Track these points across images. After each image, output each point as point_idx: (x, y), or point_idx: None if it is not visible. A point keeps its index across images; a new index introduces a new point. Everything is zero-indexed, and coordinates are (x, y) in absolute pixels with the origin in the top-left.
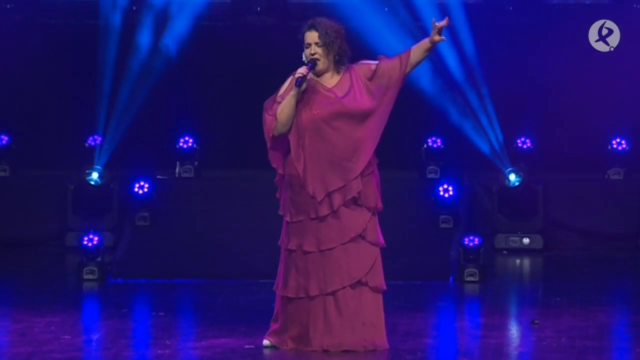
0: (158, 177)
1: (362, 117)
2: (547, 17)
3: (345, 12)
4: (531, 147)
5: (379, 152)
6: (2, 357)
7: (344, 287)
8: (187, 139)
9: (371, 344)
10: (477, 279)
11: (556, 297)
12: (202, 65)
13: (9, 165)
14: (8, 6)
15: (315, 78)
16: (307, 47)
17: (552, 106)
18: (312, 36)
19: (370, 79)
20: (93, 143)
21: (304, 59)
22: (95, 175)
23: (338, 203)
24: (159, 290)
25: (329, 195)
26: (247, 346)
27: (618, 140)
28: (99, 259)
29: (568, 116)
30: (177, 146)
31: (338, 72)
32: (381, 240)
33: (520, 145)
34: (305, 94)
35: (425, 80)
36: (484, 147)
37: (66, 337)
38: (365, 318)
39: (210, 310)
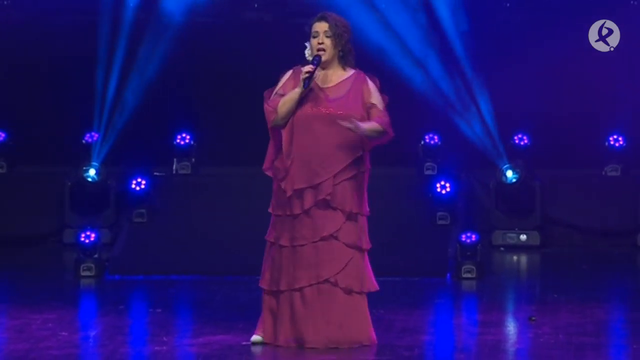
0: (155, 173)
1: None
2: (544, 14)
3: (342, 9)
4: (528, 143)
5: (376, 147)
6: (0, 353)
7: (310, 285)
8: (184, 135)
9: (334, 343)
10: (474, 276)
11: (553, 294)
12: (200, 61)
13: (6, 161)
14: (5, 2)
15: (320, 72)
16: (314, 37)
17: (549, 103)
18: (321, 26)
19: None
20: (90, 140)
21: (306, 55)
22: (92, 172)
23: (309, 203)
24: (156, 286)
25: (301, 194)
26: (244, 343)
27: (615, 136)
28: (96, 255)
29: (565, 113)
30: (174, 143)
31: (344, 69)
32: (362, 243)
33: (517, 141)
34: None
35: (423, 78)
36: (482, 144)
37: (63, 333)
38: (331, 318)
39: (208, 307)
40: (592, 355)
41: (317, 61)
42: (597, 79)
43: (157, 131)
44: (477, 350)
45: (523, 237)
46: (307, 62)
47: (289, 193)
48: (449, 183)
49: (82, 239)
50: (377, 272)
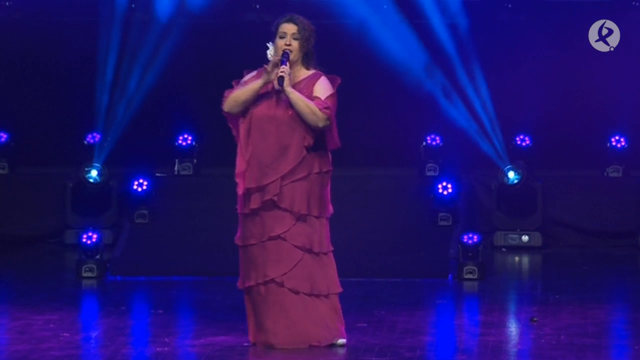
0: (157, 174)
1: (293, 125)
2: (545, 15)
3: (344, 9)
4: (530, 144)
5: (378, 148)
6: (1, 354)
7: (257, 284)
8: (186, 136)
9: (281, 344)
10: (476, 277)
11: (555, 295)
12: (201, 62)
13: (8, 162)
14: (7, 3)
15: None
16: (281, 37)
17: (551, 104)
18: (290, 28)
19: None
20: (92, 140)
21: (268, 56)
22: (94, 173)
23: (256, 203)
24: (157, 287)
25: (250, 194)
26: (245, 344)
27: (617, 137)
28: (97, 256)
29: (567, 114)
30: (176, 144)
31: (307, 69)
32: (314, 245)
33: (519, 142)
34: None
35: (424, 78)
36: (483, 145)
37: (65, 334)
38: (278, 318)
39: (209, 308)
40: (593, 357)
41: (286, 57)
42: (599, 80)
43: (159, 132)
44: (478, 351)
45: (525, 238)
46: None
47: (240, 192)
48: (451, 184)
49: (84, 240)
50: (379, 273)
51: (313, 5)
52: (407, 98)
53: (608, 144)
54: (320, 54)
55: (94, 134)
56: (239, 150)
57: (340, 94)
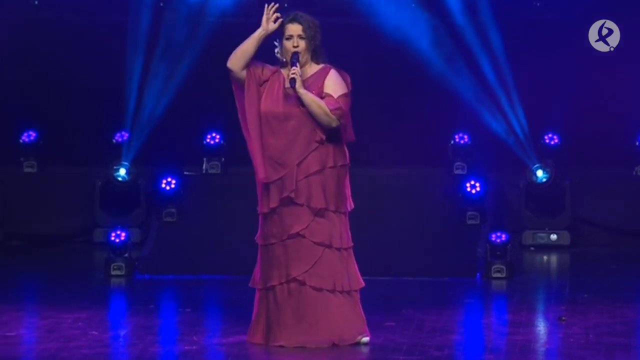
0: (185, 173)
1: (303, 119)
2: (575, 12)
3: (372, 7)
4: (559, 143)
5: (406, 147)
6: (31, 352)
7: (280, 284)
8: (214, 135)
9: (303, 342)
10: (504, 276)
11: (583, 294)
12: None
13: (37, 161)
14: (35, 2)
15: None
16: (288, 39)
17: (580, 102)
18: (295, 29)
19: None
20: (120, 139)
21: (277, 54)
22: (122, 172)
23: (275, 202)
24: (186, 286)
25: (268, 193)
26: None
27: None
28: (126, 255)
29: (596, 112)
30: (204, 142)
31: (317, 64)
32: (334, 241)
33: (547, 141)
34: (270, 86)
35: (453, 77)
36: (512, 143)
37: (93, 333)
38: (301, 316)
39: (237, 307)
40: (622, 356)
41: (296, 58)
42: (627, 79)
43: (187, 131)
44: (506, 350)
45: (553, 236)
46: (277, 60)
47: (259, 188)
48: (479, 182)
49: (113, 238)
50: (407, 272)
51: (340, 2)
52: (436, 96)
53: (637, 143)
54: (348, 51)
55: (123, 133)
56: (250, 148)
57: (368, 92)
